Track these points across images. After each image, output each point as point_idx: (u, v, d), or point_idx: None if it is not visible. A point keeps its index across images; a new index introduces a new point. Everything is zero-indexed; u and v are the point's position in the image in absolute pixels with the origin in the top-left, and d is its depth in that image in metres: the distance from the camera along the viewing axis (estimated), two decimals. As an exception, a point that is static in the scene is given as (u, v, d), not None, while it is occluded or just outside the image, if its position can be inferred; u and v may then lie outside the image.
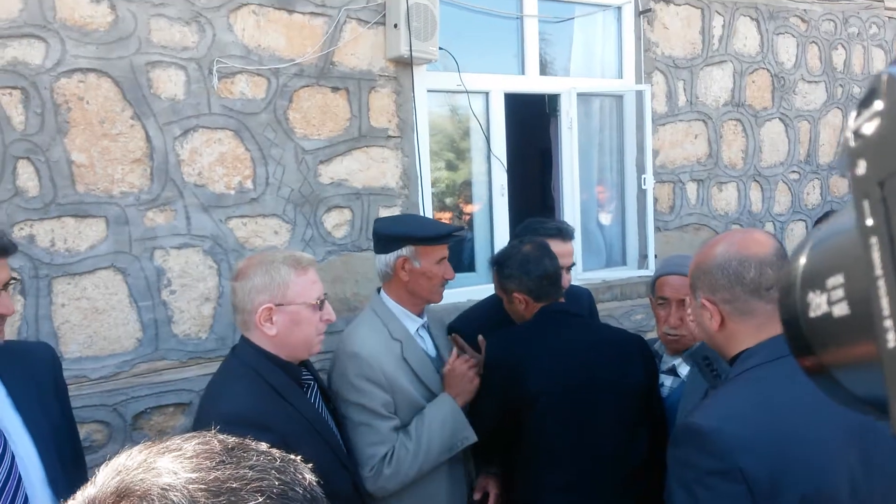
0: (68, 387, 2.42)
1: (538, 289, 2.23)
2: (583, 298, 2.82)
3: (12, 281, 1.60)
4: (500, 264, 2.33)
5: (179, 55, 2.64)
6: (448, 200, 3.69)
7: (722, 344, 1.46)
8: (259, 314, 1.73)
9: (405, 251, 2.15)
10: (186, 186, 2.68)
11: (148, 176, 2.62)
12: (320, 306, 1.82)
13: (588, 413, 2.08)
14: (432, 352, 2.32)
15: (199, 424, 1.71)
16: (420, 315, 2.27)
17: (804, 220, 4.50)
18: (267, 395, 1.74)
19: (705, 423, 1.31)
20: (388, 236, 2.17)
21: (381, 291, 2.27)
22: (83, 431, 2.52)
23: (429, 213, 3.21)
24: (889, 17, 4.85)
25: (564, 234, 2.58)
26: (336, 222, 2.99)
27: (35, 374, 1.74)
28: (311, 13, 2.87)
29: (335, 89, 2.95)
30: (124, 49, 2.54)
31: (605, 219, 3.96)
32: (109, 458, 0.67)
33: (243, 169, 2.79)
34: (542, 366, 2.11)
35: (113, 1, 2.52)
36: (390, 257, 2.17)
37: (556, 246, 2.39)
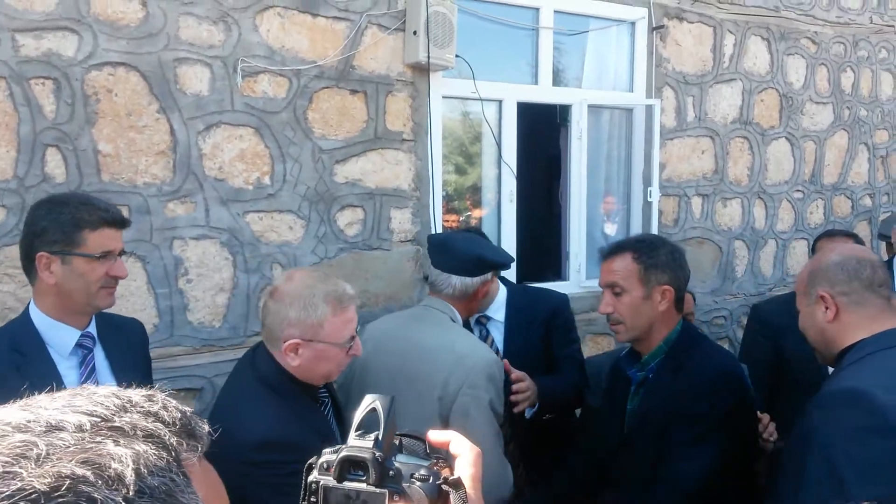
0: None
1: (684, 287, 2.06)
2: (545, 302, 2.71)
3: (123, 252, 1.81)
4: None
5: (206, 53, 2.73)
6: (458, 204, 3.78)
7: (834, 335, 1.65)
8: (286, 347, 1.67)
9: (489, 275, 2.23)
10: (207, 180, 2.78)
11: (171, 168, 2.71)
12: (350, 343, 1.73)
13: None
14: None
15: (224, 447, 1.71)
16: None
17: (806, 239, 4.57)
18: (289, 417, 1.69)
19: (857, 385, 1.47)
20: (485, 261, 2.20)
21: (440, 301, 2.21)
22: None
23: (439, 217, 3.30)
24: (899, 42, 4.92)
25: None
26: (349, 220, 3.08)
27: (131, 345, 1.90)
28: (335, 17, 2.97)
29: (354, 92, 3.04)
30: (153, 45, 2.64)
31: (611, 229, 4.04)
32: None
33: (262, 165, 2.88)
34: None
35: (145, -2, 2.62)
36: (476, 280, 2.18)
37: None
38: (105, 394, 0.53)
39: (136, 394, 0.54)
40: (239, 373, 1.83)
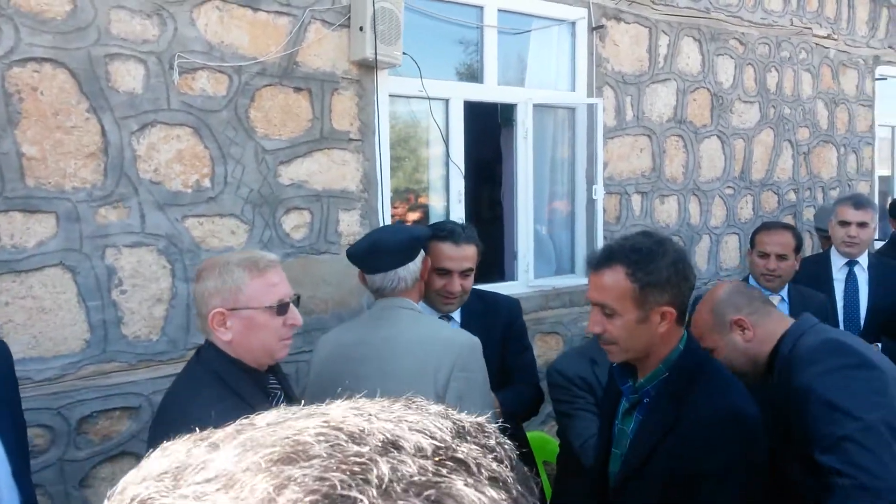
0: (14, 389, 2.33)
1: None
2: (503, 309, 2.67)
3: None
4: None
5: (139, 48, 2.56)
6: (406, 206, 3.70)
7: (758, 349, 1.88)
8: (211, 318, 1.64)
9: (423, 253, 2.23)
10: (142, 183, 2.60)
11: (102, 171, 2.53)
12: (281, 310, 1.69)
13: None
14: None
15: (161, 430, 1.66)
16: None
17: (738, 234, 4.73)
18: (233, 405, 1.63)
19: (826, 338, 1.79)
20: (415, 239, 2.18)
21: (406, 299, 2.15)
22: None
23: (387, 219, 3.21)
24: (816, 44, 5.16)
25: (456, 236, 2.37)
26: (295, 224, 2.96)
27: None
28: (276, 12, 2.84)
29: (298, 90, 2.92)
30: (82, 40, 2.45)
31: (555, 227, 4.05)
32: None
33: (201, 167, 2.73)
34: None
35: (70, -12, 2.42)
36: (418, 262, 2.13)
37: (448, 249, 2.32)
38: (436, 410, 0.43)
39: (466, 419, 0.44)
40: (188, 364, 1.79)
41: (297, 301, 1.76)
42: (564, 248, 4.04)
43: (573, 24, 3.88)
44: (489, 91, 3.61)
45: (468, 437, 0.41)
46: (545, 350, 3.71)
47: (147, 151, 2.60)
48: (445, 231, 2.36)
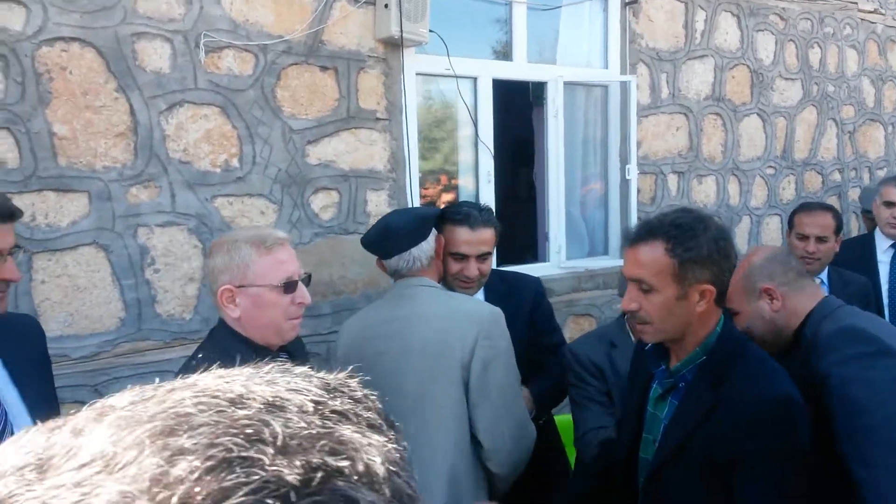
0: (49, 365, 2.36)
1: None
2: (526, 289, 2.61)
3: (16, 248, 1.55)
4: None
5: (165, 27, 2.57)
6: (435, 185, 3.67)
7: (785, 320, 1.86)
8: (220, 295, 1.65)
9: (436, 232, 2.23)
10: (171, 163, 2.62)
11: (132, 151, 2.55)
12: (288, 288, 1.68)
13: None
14: None
15: None
16: None
17: (779, 215, 4.58)
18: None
19: (844, 325, 1.75)
20: (424, 218, 2.17)
21: (428, 280, 2.15)
22: (63, 412, 2.44)
23: (416, 199, 3.18)
24: (862, 19, 4.96)
25: (472, 220, 2.31)
26: (323, 204, 2.95)
27: (29, 347, 1.70)
28: (302, -10, 2.83)
29: (324, 68, 2.91)
30: (109, 19, 2.47)
31: (588, 208, 3.98)
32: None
33: (230, 147, 2.73)
34: None
35: (98, -31, 2.45)
36: (432, 240, 2.14)
37: (463, 234, 2.27)
38: (301, 371, 0.43)
39: (329, 376, 0.44)
40: (201, 342, 1.82)
41: (307, 280, 1.75)
42: (598, 229, 3.96)
43: (605, -1, 3.79)
44: (518, 69, 3.55)
45: (338, 392, 0.42)
46: (577, 332, 3.64)
47: (175, 131, 2.62)
48: (461, 215, 2.30)
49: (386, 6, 2.91)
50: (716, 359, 1.61)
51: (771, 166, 4.54)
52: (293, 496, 0.32)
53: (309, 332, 2.94)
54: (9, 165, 2.34)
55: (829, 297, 1.89)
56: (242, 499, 0.32)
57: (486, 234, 2.32)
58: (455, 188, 3.64)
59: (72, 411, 0.41)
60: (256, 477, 0.32)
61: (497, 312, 2.03)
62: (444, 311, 2.01)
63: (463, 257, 2.30)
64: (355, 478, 0.35)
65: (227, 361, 1.66)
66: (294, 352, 1.91)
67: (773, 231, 4.57)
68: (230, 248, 1.65)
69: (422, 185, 3.37)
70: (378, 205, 3.08)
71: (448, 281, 2.34)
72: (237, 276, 1.64)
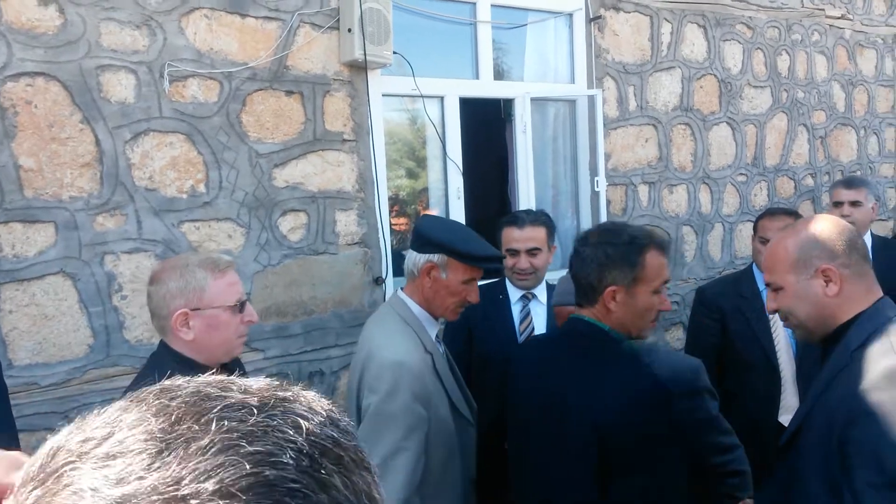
0: (18, 394, 2.41)
1: None
2: None
3: None
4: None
5: (130, 59, 2.62)
6: (404, 204, 3.72)
7: (835, 310, 1.55)
8: (175, 319, 1.68)
9: (436, 258, 2.01)
10: (137, 190, 2.67)
11: (98, 180, 2.60)
12: (240, 308, 1.75)
13: None
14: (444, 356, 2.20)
15: None
16: (437, 319, 2.13)
17: (752, 222, 4.63)
18: None
19: None
20: (427, 238, 2.03)
21: (403, 292, 2.11)
22: (33, 439, 2.48)
23: (385, 218, 3.23)
24: (830, 25, 5.04)
25: (520, 220, 2.70)
26: (292, 226, 3.00)
27: None
28: (265, 17, 2.88)
29: (289, 93, 2.96)
30: (73, 53, 2.52)
31: (559, 220, 4.03)
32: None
33: (195, 173, 2.78)
34: None
35: (61, 4, 2.50)
36: (420, 259, 2.03)
37: (512, 232, 2.66)
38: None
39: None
40: (141, 368, 1.85)
41: (248, 299, 1.84)
42: (569, 241, 4.01)
43: (570, 15, 3.86)
44: (485, 87, 3.61)
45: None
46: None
47: (141, 159, 2.67)
48: (511, 217, 2.76)
49: (349, 30, 2.97)
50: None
51: (742, 173, 4.60)
52: (255, 412, 0.46)
53: (280, 352, 2.99)
54: (-25, 199, 2.39)
55: (886, 300, 1.56)
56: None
57: (534, 232, 2.66)
58: (425, 205, 3.69)
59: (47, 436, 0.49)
60: (229, 401, 0.47)
61: (393, 362, 1.88)
62: (362, 348, 2.03)
63: (514, 252, 2.66)
64: (300, 403, 0.49)
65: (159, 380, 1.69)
66: (232, 370, 1.95)
67: (745, 238, 4.62)
68: (183, 273, 1.70)
69: (391, 203, 3.42)
70: (347, 224, 3.13)
71: (508, 275, 2.74)
72: (193, 300, 1.69)
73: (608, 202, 3.94)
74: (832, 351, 1.56)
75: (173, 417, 0.45)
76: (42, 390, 2.53)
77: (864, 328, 1.49)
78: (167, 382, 0.50)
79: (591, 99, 3.84)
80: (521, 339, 2.68)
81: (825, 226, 1.58)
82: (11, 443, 1.88)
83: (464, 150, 3.58)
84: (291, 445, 0.44)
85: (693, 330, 3.14)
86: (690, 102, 4.31)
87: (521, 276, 2.68)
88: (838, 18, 5.09)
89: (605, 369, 1.75)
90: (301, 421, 0.46)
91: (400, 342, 1.96)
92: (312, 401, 0.50)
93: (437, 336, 2.10)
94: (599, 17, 3.88)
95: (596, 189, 3.85)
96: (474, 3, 3.54)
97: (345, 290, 3.15)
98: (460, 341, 2.69)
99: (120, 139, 2.62)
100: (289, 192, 2.98)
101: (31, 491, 0.45)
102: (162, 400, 0.47)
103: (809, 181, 4.98)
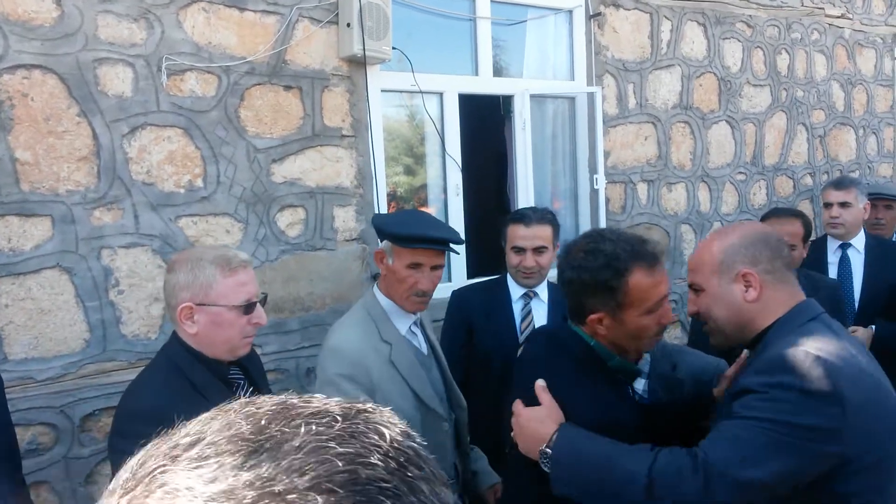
0: (13, 388, 2.39)
1: None
2: None
3: None
4: None
5: (127, 52, 2.61)
6: (403, 200, 3.71)
7: (754, 315, 1.55)
8: (180, 311, 1.69)
9: (384, 245, 2.07)
10: (134, 185, 2.65)
11: (95, 174, 2.58)
12: (247, 310, 1.73)
13: None
14: (425, 349, 2.21)
15: (118, 414, 1.71)
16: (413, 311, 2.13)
17: (752, 220, 4.63)
18: (180, 391, 1.66)
19: (809, 348, 1.38)
20: (375, 227, 2.10)
21: (376, 287, 2.14)
22: (29, 434, 2.47)
23: (383, 212, 3.22)
24: (830, 24, 5.03)
25: (527, 218, 2.67)
26: (290, 221, 2.99)
27: None
28: (263, 11, 2.87)
29: (287, 88, 2.95)
30: (70, 45, 2.50)
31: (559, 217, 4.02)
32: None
33: (193, 167, 2.77)
34: None
35: (58, -4, 2.48)
36: (379, 245, 2.09)
37: (519, 230, 2.63)
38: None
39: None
40: (154, 357, 1.86)
41: (264, 300, 1.81)
42: (568, 238, 4.00)
43: (570, 12, 3.85)
44: (484, 83, 3.60)
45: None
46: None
47: (138, 153, 2.65)
48: (518, 214, 2.72)
49: (348, 25, 2.96)
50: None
51: (741, 172, 4.60)
52: (340, 420, 0.48)
53: (278, 348, 2.97)
54: (-30, 192, 2.37)
55: (807, 301, 1.57)
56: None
57: (540, 231, 2.64)
58: (424, 202, 3.68)
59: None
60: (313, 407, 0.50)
61: (327, 349, 2.01)
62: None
63: (521, 250, 2.64)
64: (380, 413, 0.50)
65: (173, 371, 1.70)
66: (248, 366, 1.94)
67: (744, 236, 4.62)
68: (194, 266, 1.69)
69: (389, 200, 3.41)
70: (346, 220, 3.12)
71: (512, 273, 2.71)
72: (198, 295, 1.68)
73: (607, 200, 3.93)
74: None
75: (262, 422, 0.47)
76: (38, 385, 2.51)
77: (782, 331, 1.50)
78: (251, 398, 0.53)
79: (591, 96, 3.83)
80: (521, 337, 2.67)
81: (751, 232, 1.61)
82: (8, 438, 1.87)
83: (463, 146, 3.57)
84: (378, 449, 0.46)
85: (695, 327, 3.13)
86: (690, 100, 4.30)
87: (526, 274, 2.66)
88: (838, 18, 5.09)
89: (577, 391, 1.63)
90: (383, 429, 0.48)
91: (345, 332, 2.01)
92: (390, 415, 0.52)
93: (411, 328, 2.14)
94: (599, 13, 3.87)
95: (595, 187, 3.84)
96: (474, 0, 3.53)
97: (343, 287, 3.14)
98: (460, 339, 2.69)
99: (117, 133, 2.60)
100: (287, 188, 2.97)
101: (122, 497, 0.46)
102: (248, 408, 0.50)
103: (808, 180, 4.98)
